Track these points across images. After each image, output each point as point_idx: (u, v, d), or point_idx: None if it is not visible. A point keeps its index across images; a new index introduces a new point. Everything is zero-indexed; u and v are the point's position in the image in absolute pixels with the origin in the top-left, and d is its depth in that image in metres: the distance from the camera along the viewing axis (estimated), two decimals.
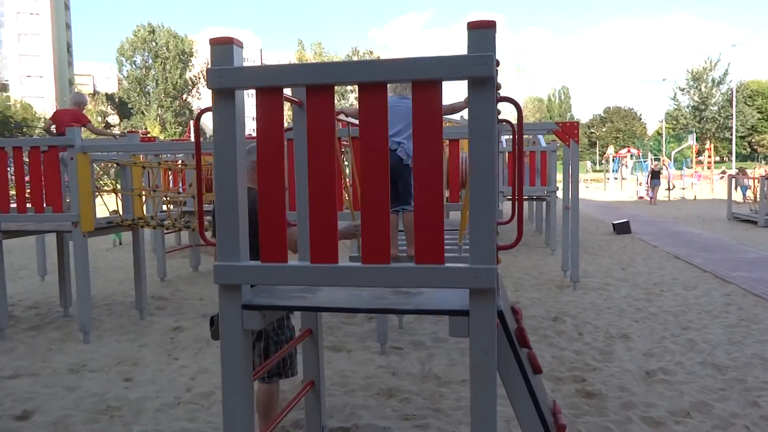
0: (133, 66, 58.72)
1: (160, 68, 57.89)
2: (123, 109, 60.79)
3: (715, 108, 65.14)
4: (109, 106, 63.54)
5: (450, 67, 1.91)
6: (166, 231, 7.48)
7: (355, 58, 58.16)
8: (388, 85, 3.70)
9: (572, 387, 4.21)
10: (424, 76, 1.95)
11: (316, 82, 2.02)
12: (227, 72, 2.04)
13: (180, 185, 8.41)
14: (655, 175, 25.29)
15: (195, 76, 61.08)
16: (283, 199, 2.08)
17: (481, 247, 1.94)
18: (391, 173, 3.48)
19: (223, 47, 2.07)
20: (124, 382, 4.50)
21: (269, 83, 2.06)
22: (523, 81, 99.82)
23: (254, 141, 2.23)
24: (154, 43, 57.52)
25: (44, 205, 5.31)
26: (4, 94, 61.79)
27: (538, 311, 6.41)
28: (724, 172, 36.27)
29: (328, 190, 2.04)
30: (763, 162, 59.66)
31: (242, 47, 2.11)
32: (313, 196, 2.04)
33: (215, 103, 2.09)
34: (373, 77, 1.99)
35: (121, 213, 6.08)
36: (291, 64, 1.96)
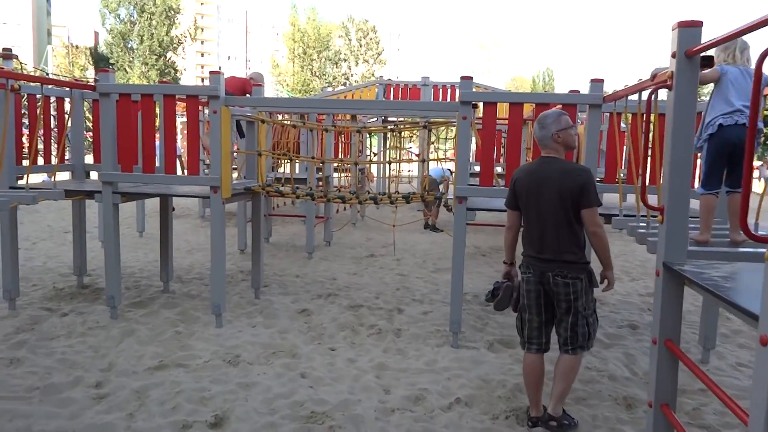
0: (117, 20, 56.02)
1: (145, 24, 55.39)
2: (103, 64, 58.14)
3: None
4: (87, 61, 60.72)
5: None
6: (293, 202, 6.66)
7: (350, 26, 56.60)
8: (718, 51, 3.05)
9: None
10: None
11: None
12: None
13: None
14: None
15: (181, 34, 58.69)
16: None
17: None
18: (735, 151, 2.85)
19: None
20: (302, 379, 3.83)
21: None
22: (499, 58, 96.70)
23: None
24: None
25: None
26: None
27: None
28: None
29: None
30: None
31: None
32: None
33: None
34: None
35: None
36: None
